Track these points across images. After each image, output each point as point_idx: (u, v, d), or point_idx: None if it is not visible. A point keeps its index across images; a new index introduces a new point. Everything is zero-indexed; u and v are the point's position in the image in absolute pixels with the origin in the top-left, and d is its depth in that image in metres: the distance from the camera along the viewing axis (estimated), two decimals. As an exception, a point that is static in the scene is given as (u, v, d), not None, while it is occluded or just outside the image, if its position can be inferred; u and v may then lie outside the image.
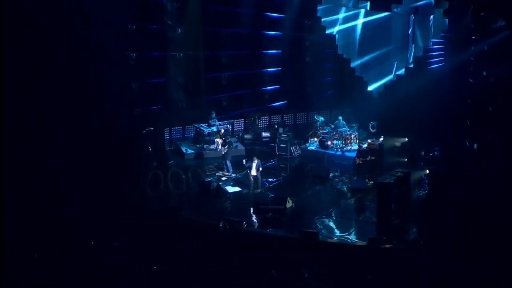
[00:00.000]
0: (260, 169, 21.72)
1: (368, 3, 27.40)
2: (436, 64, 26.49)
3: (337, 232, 18.83)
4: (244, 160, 22.06)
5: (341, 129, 25.60)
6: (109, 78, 22.40)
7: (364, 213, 20.39)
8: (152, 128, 24.26)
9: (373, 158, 22.96)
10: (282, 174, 23.87)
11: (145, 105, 25.03)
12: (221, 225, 17.92)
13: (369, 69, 28.76)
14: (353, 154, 24.41)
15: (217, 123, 25.95)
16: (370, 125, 26.03)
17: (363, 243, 17.54)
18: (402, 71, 28.06)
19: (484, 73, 20.76)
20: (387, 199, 18.13)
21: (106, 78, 22.17)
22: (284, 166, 24.74)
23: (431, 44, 26.93)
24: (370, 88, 29.02)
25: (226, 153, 23.39)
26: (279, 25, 27.91)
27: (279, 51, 28.39)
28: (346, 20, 28.57)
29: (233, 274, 16.25)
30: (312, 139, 26.13)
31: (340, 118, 26.44)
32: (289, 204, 20.23)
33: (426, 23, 27.08)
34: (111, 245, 17.18)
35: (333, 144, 25.19)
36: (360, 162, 23.18)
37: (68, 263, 16.17)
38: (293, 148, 25.57)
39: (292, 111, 29.41)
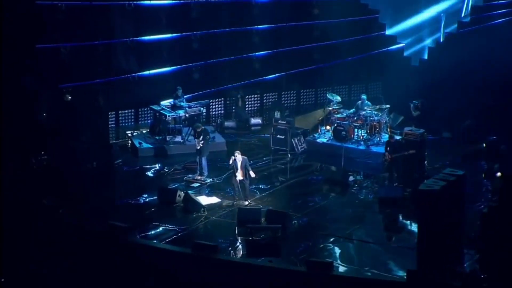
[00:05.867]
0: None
1: None
2: (503, 17, 26.58)
3: (360, 262, 18.80)
4: (231, 160, 21.73)
5: (365, 113, 25.68)
6: (26, 39, 22.24)
7: (399, 234, 20.46)
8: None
9: (413, 151, 22.75)
10: (280, 178, 23.94)
11: (79, 77, 24.91)
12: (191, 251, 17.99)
13: (406, 26, 28.99)
14: (382, 149, 24.40)
15: (185, 104, 25.94)
16: (412, 105, 26.11)
17: (398, 277, 17.56)
18: (453, 28, 28.19)
19: None
20: (433, 213, 18.18)
21: (21, 39, 22.00)
22: (283, 166, 24.85)
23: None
24: (408, 53, 29.21)
25: (201, 149, 23.15)
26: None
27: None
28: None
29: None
30: (324, 128, 26.25)
31: (364, 97, 26.50)
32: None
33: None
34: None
35: (353, 134, 25.28)
36: (390, 159, 23.07)
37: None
38: (296, 140, 25.71)
39: (293, 87, 29.45)
